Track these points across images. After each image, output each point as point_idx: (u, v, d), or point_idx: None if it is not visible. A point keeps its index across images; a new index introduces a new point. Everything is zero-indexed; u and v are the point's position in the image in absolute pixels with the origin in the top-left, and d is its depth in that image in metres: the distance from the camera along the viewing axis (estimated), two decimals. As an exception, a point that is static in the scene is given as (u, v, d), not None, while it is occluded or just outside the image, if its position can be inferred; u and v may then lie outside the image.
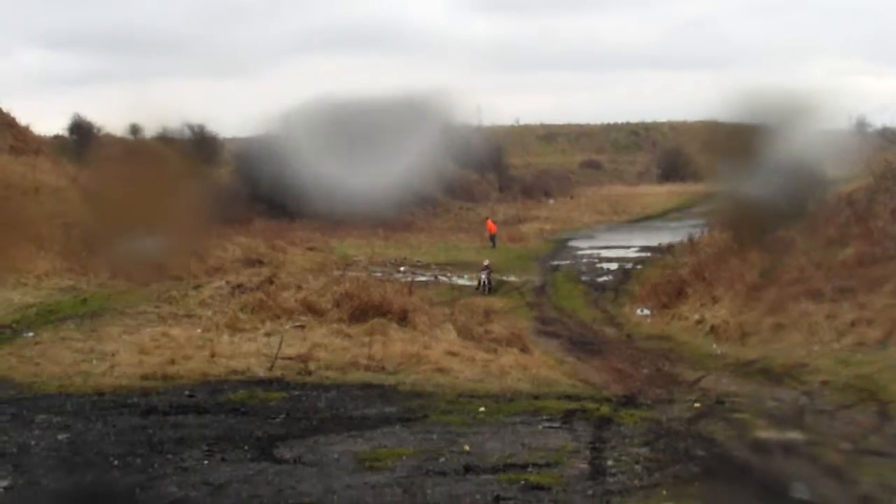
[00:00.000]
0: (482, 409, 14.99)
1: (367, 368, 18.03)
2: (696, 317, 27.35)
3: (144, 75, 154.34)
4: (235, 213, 57.71)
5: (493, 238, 55.25)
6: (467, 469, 11.69)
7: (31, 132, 49.12)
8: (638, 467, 11.94)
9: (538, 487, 11.00)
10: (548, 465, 11.95)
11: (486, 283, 36.04)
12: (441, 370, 17.99)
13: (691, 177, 77.06)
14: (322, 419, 14.33)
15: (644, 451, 12.81)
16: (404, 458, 12.17)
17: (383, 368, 18.04)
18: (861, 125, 29.54)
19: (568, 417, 14.60)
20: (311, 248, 48.42)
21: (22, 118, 49.99)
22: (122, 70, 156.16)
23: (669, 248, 40.51)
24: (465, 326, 22.76)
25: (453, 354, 19.41)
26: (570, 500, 10.70)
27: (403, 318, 21.97)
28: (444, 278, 39.36)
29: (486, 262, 37.24)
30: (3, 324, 22.68)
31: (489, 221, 59.05)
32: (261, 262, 36.23)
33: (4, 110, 46.60)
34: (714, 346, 24.47)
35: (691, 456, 12.70)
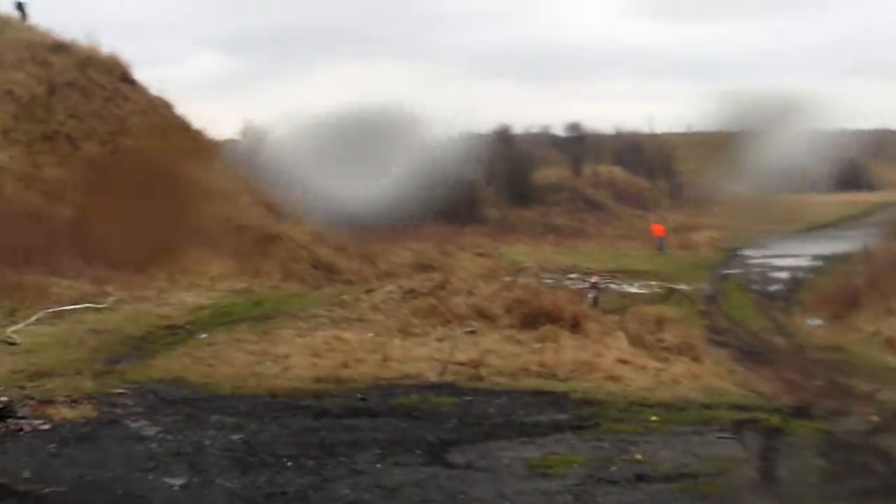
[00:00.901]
0: (654, 417, 14.80)
1: (538, 375, 17.92)
2: (871, 328, 26.61)
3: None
4: (407, 218, 58.30)
5: (660, 241, 54.64)
6: (639, 478, 11.57)
7: (204, 136, 50.12)
8: (812, 479, 11.67)
9: (710, 497, 10.82)
10: (719, 474, 11.76)
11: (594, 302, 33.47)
12: (612, 378, 17.82)
13: (867, 186, 75.53)
14: (493, 425, 14.27)
15: (818, 462, 12.52)
16: (575, 465, 12.06)
17: (554, 375, 17.93)
18: None
19: (739, 427, 14.32)
20: (480, 254, 48.55)
21: (197, 122, 50.96)
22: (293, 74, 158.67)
23: (843, 258, 39.69)
24: (636, 334, 22.52)
25: (625, 362, 19.20)
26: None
27: (575, 326, 21.84)
28: (614, 286, 39.09)
29: (593, 279, 34.72)
30: (177, 325, 23.13)
31: (655, 225, 58.25)
32: (431, 268, 36.36)
33: (180, 114, 47.61)
34: (890, 358, 23.78)
35: (869, 470, 12.36)
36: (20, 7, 43.29)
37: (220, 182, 40.69)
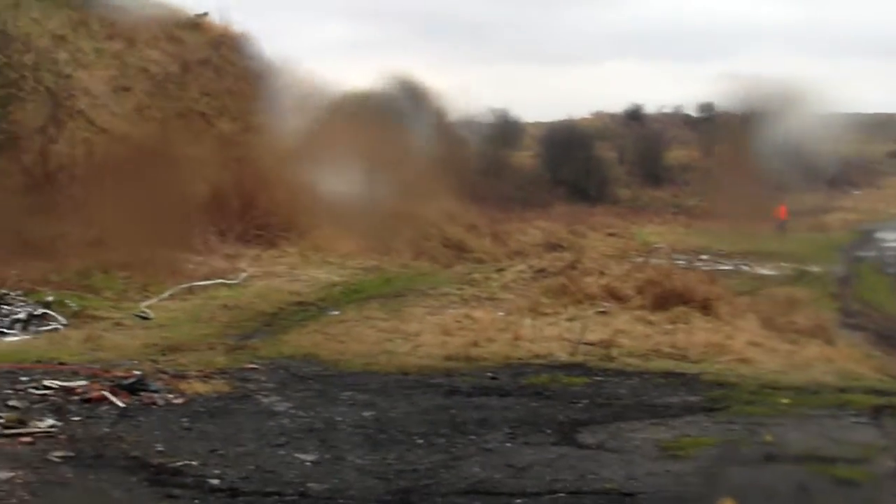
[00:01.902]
0: (785, 400, 14.58)
1: (669, 356, 17.83)
2: None
3: (450, 60, 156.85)
4: (536, 197, 58.36)
5: (782, 224, 54.10)
6: (769, 458, 11.41)
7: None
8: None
9: (847, 482, 10.65)
10: (857, 460, 11.50)
11: None
12: (744, 360, 17.65)
13: None
14: (624, 406, 14.20)
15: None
16: (706, 447, 11.96)
17: (685, 357, 17.82)
18: None
19: (877, 413, 14.03)
20: (611, 234, 48.36)
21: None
22: (432, 54, 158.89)
23: None
24: (767, 317, 22.27)
25: (756, 345, 19.02)
26: (883, 499, 10.35)
27: (706, 307, 21.68)
28: (745, 268, 38.64)
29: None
30: (308, 301, 23.40)
31: (783, 207, 57.68)
32: (561, 247, 36.33)
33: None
34: None
35: None
36: None
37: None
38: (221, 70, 38.37)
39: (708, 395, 14.92)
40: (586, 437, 12.48)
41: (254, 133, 35.64)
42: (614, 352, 17.94)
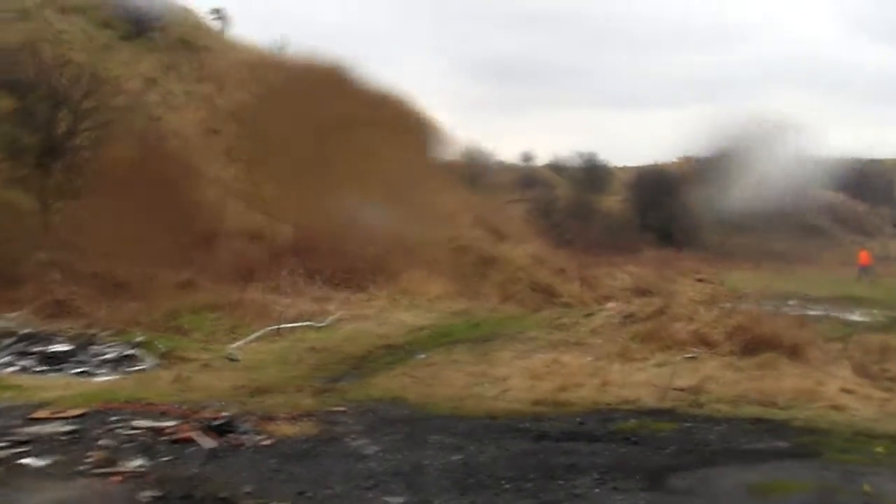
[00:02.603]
0: (880, 449, 14.37)
1: (758, 402, 17.64)
2: None
3: (537, 104, 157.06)
4: (625, 242, 58.26)
5: (864, 270, 53.81)
6: (871, 509, 11.25)
7: (434, 156, 50.69)
8: None
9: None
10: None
11: None
12: (836, 407, 17.43)
13: None
14: (713, 452, 14.06)
15: None
16: (799, 492, 11.86)
17: (775, 403, 17.62)
18: None
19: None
20: (700, 280, 48.00)
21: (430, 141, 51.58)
22: (514, 98, 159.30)
23: None
24: (859, 363, 21.99)
25: (848, 391, 18.76)
26: None
27: (795, 353, 21.44)
28: (835, 314, 38.18)
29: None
30: (396, 344, 23.48)
31: (863, 252, 57.41)
32: (650, 292, 36.12)
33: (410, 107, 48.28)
34: None
35: None
36: (219, 14, 44.74)
37: (443, 203, 41.30)
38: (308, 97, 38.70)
39: (798, 442, 14.74)
40: (675, 482, 12.40)
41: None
42: (703, 398, 17.80)
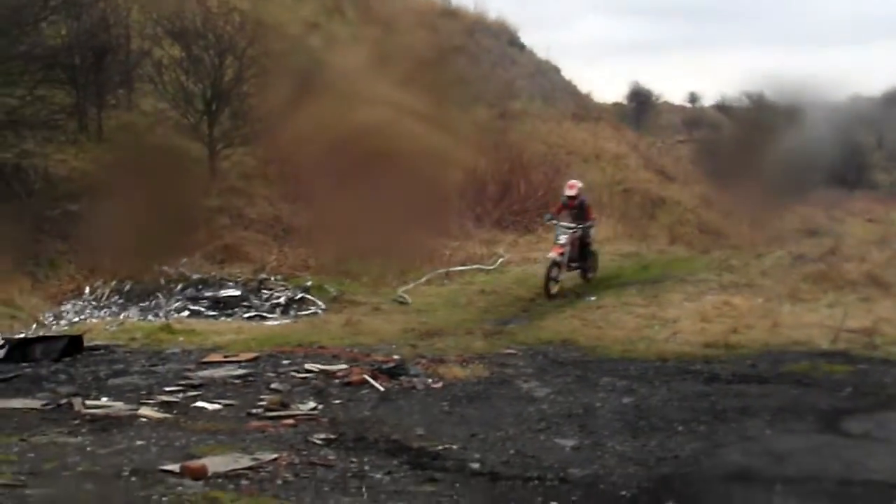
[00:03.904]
0: None
1: (937, 345, 17.32)
2: None
3: (705, 43, 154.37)
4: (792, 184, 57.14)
5: None
6: None
7: (591, 99, 50.45)
8: None
9: None
10: None
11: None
12: None
13: None
14: (890, 395, 13.85)
15: None
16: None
17: (957, 345, 17.27)
18: None
19: None
20: (870, 220, 46.99)
21: (583, 86, 51.39)
22: (682, 38, 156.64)
23: None
24: None
25: None
26: None
27: (976, 293, 20.91)
28: None
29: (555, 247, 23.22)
30: (565, 287, 23.49)
31: None
32: (819, 233, 35.49)
33: (567, 78, 48.11)
34: None
35: None
36: None
37: (607, 145, 41.13)
38: (476, 56, 38.78)
39: (980, 386, 14.45)
40: (851, 425, 12.24)
41: (510, 119, 35.88)
42: (877, 340, 17.46)
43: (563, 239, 22.58)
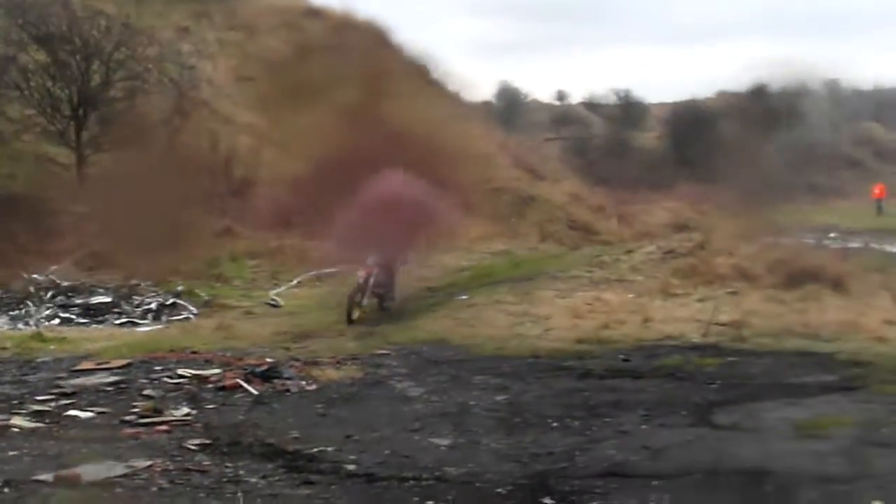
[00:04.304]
0: (925, 378, 14.35)
1: (801, 335, 17.61)
2: None
3: (572, 42, 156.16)
4: (662, 178, 58.04)
5: (878, 204, 54.03)
6: (913, 440, 11.20)
7: (461, 99, 50.56)
8: None
9: None
10: None
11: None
12: (879, 339, 17.39)
13: None
14: (758, 386, 14.08)
15: None
16: (845, 427, 11.79)
17: (818, 336, 17.60)
18: None
19: None
20: (737, 214, 47.83)
21: (452, 85, 51.34)
22: (549, 37, 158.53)
23: None
24: (900, 294, 21.90)
25: (891, 323, 18.71)
26: None
27: (837, 285, 21.39)
28: (875, 245, 37.97)
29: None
30: (437, 287, 23.49)
31: (880, 186, 57.71)
32: (688, 228, 36.06)
33: (437, 77, 48.14)
34: None
35: None
36: None
37: (477, 144, 41.23)
38: (344, 53, 38.58)
39: (843, 374, 14.75)
40: (721, 417, 12.41)
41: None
42: (746, 332, 17.78)
43: (371, 260, 20.93)
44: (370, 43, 39.89)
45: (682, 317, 19.00)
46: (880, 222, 46.58)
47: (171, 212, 26.68)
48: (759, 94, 73.64)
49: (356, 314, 20.61)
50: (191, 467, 10.39)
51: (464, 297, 21.99)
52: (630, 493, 9.48)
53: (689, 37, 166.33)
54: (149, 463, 10.38)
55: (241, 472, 10.25)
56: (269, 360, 15.92)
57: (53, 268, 23.79)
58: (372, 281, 21.01)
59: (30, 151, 29.97)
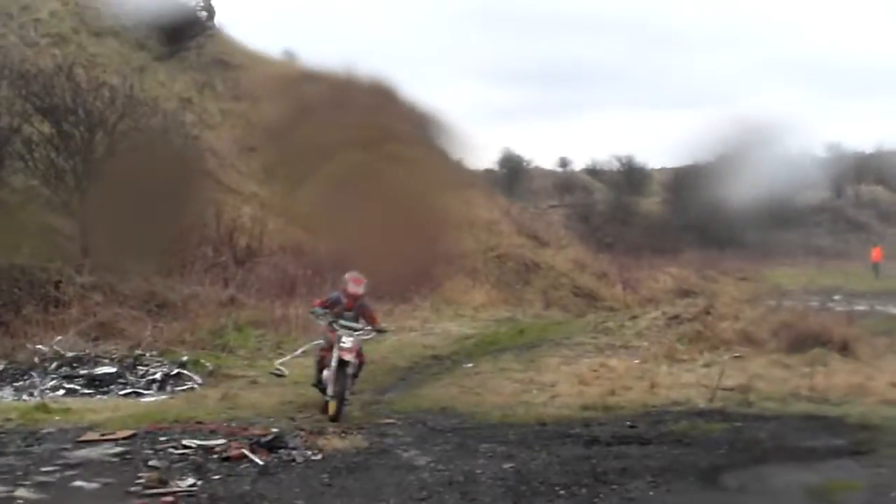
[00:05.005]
0: (934, 443, 14.29)
1: (808, 399, 17.59)
2: None
3: (576, 108, 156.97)
4: (666, 244, 58.18)
5: (875, 267, 54.39)
6: (924, 505, 11.15)
7: (463, 165, 50.72)
8: None
9: None
10: None
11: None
12: (887, 402, 17.34)
13: None
14: (765, 450, 14.00)
15: None
16: (855, 491, 11.75)
17: (826, 400, 17.55)
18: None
19: None
20: (742, 279, 47.96)
21: (456, 150, 51.51)
22: (554, 103, 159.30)
23: None
24: (908, 357, 21.87)
25: (899, 386, 18.70)
26: None
27: (844, 348, 21.37)
28: (881, 308, 38.00)
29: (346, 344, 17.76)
30: (442, 355, 23.43)
31: (877, 249, 58.17)
32: (693, 293, 36.09)
33: (446, 126, 48.27)
34: None
35: None
36: (207, 10, 45.06)
37: (480, 212, 41.39)
38: (347, 106, 38.72)
39: (852, 438, 14.67)
40: (729, 481, 12.37)
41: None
42: (752, 396, 17.75)
43: (349, 343, 17.64)
44: (374, 101, 40.13)
45: (688, 382, 18.96)
46: (885, 284, 46.59)
47: (178, 282, 26.80)
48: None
49: (336, 409, 17.41)
50: (198, 539, 10.31)
51: (469, 364, 21.95)
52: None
53: (693, 101, 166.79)
54: (155, 536, 10.30)
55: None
56: (274, 429, 15.79)
57: (58, 338, 23.72)
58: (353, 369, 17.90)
59: (34, 222, 30.04)
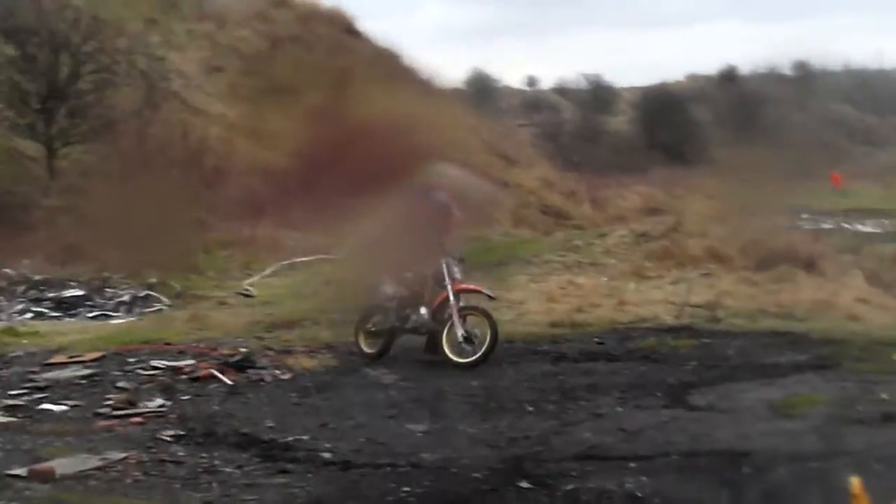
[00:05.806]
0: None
1: (775, 315, 17.74)
2: None
3: (543, 27, 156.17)
4: (633, 162, 58.15)
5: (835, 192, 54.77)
6: (886, 418, 11.18)
7: (431, 85, 50.48)
8: None
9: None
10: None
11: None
12: (852, 317, 17.52)
13: None
14: (733, 367, 14.13)
15: None
16: (819, 406, 11.83)
17: (792, 315, 17.71)
18: None
19: None
20: (710, 196, 47.98)
21: (423, 72, 51.30)
22: (521, 22, 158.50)
23: None
24: (873, 273, 22.04)
25: (863, 301, 18.85)
26: None
27: (810, 265, 21.49)
28: (846, 225, 38.17)
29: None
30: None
31: (835, 176, 58.44)
32: (661, 211, 36.11)
33: (407, 65, 48.11)
34: None
35: None
36: None
37: (448, 130, 41.11)
38: (311, 45, 38.49)
39: (817, 354, 14.80)
40: (697, 398, 12.46)
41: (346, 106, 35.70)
42: (720, 313, 17.87)
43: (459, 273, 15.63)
44: (336, 34, 39.89)
45: (656, 299, 19.05)
46: (852, 202, 46.69)
47: (144, 204, 26.58)
48: (728, 77, 73.98)
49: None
50: (166, 459, 10.34)
51: (437, 282, 21.90)
52: (606, 476, 9.47)
53: (660, 21, 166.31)
54: (123, 455, 10.31)
55: (217, 463, 10.21)
56: (242, 349, 15.79)
57: (25, 262, 23.59)
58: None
59: (-1, 146, 29.78)
